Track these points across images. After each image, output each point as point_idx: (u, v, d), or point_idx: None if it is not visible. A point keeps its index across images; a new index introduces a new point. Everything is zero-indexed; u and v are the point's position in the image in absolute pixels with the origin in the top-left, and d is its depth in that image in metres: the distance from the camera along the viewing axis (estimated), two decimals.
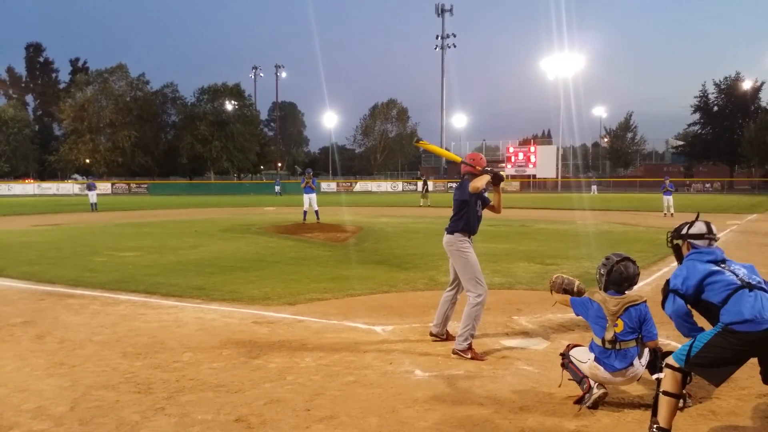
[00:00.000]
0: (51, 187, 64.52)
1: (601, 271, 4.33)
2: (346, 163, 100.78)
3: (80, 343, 5.85)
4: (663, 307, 3.87)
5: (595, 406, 4.14)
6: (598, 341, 4.20)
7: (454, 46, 78.01)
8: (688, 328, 3.76)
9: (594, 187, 56.72)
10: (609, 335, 4.14)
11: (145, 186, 68.49)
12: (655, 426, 3.59)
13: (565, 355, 4.43)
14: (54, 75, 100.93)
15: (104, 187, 66.57)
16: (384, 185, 72.76)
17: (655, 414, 3.63)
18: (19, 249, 13.60)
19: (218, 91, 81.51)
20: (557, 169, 72.67)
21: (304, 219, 20.78)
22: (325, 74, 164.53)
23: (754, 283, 3.61)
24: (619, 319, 4.13)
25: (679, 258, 4.09)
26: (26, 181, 73.33)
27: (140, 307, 7.55)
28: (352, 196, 53.11)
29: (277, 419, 4.01)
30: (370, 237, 16.16)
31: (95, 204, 30.60)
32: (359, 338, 6.02)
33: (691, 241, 4.02)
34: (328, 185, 70.39)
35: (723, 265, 3.77)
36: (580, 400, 4.21)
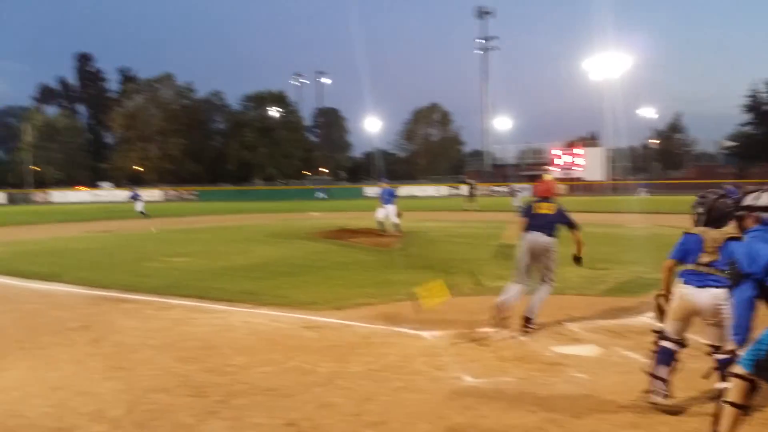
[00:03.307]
0: (103, 195, 66.43)
1: (699, 210, 4.34)
2: (390, 168, 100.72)
3: (135, 347, 6.01)
4: (732, 292, 3.58)
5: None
6: (691, 266, 4.24)
7: (496, 49, 77.41)
8: (746, 323, 3.47)
9: (643, 190, 55.38)
10: (705, 259, 4.16)
11: (195, 193, 69.99)
12: None
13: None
14: (104, 84, 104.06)
15: (156, 194, 68.43)
16: (428, 189, 72.54)
17: (715, 424, 3.48)
18: (74, 255, 14.05)
19: (263, 97, 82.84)
20: (605, 171, 71.23)
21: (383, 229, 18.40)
22: (366, 79, 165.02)
23: None
24: (717, 250, 4.13)
25: (742, 229, 3.80)
26: (78, 188, 75.79)
27: (192, 311, 7.72)
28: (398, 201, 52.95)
29: (327, 424, 4.04)
30: (415, 242, 16.14)
31: (142, 212, 30.26)
32: (407, 343, 6.01)
33: (759, 214, 3.67)
34: (371, 190, 70.57)
35: None
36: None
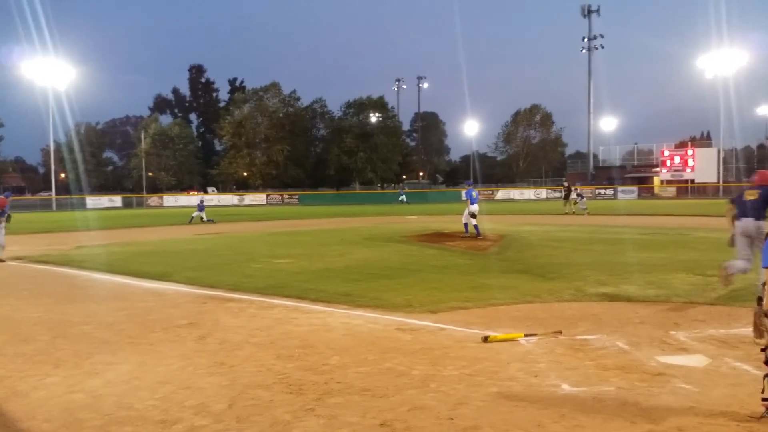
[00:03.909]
0: (213, 199, 69.86)
1: None
2: (488, 171, 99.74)
3: (238, 345, 6.28)
4: None
5: None
6: None
7: (602, 47, 74.65)
8: None
9: None
10: None
11: (296, 197, 72.31)
12: None
13: None
14: (214, 94, 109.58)
15: (260, 198, 71.28)
16: (527, 193, 71.07)
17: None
18: (184, 256, 14.89)
19: (363, 104, 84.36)
20: (718, 173, 66.86)
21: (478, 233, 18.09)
22: (466, 82, 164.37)
23: None
24: None
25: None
26: (190, 193, 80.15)
27: (292, 311, 7.97)
28: (494, 205, 52.35)
29: (420, 426, 4.05)
30: (513, 245, 15.86)
31: (202, 217, 30.35)
32: (502, 348, 5.92)
33: None
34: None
35: None
36: None
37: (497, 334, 6.39)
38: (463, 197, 19.34)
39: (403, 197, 58.85)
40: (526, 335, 6.37)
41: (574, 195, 33.63)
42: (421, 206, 51.92)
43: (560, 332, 6.49)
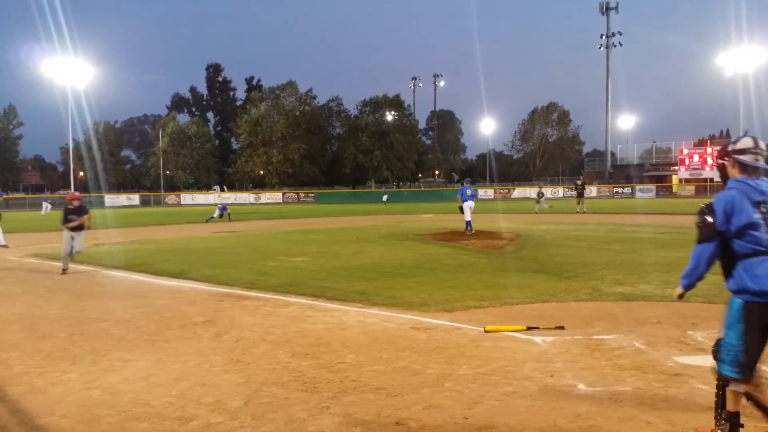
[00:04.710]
0: (230, 197, 70.24)
1: None
2: (504, 170, 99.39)
3: (254, 342, 6.31)
4: (699, 243, 3.70)
5: None
6: None
7: (620, 45, 73.92)
8: (700, 272, 3.71)
9: None
10: None
11: (312, 195, 72.49)
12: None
13: None
14: (231, 93, 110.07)
15: (276, 196, 71.54)
16: (544, 191, 70.59)
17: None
18: (201, 254, 14.99)
19: (379, 102, 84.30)
20: None
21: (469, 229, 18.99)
22: (483, 81, 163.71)
23: None
24: None
25: (724, 178, 3.75)
26: (208, 191, 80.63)
27: (307, 309, 7.99)
28: (510, 203, 52.11)
29: (435, 425, 4.04)
30: (529, 244, 15.77)
31: (218, 216, 30.58)
32: (518, 348, 5.89)
33: (737, 157, 3.65)
34: (485, 192, 69.79)
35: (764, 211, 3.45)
36: None
37: (498, 326, 6.58)
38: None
39: (386, 197, 59.02)
40: (528, 328, 6.46)
41: (573, 192, 34.24)
42: (436, 205, 51.76)
43: (563, 327, 6.50)
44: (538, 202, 35.43)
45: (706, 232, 3.67)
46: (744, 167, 3.63)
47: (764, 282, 3.41)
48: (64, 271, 11.97)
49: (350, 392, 4.71)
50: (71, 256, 12.25)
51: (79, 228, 12.25)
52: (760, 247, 3.46)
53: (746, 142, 3.69)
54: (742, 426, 3.64)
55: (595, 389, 4.69)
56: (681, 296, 3.91)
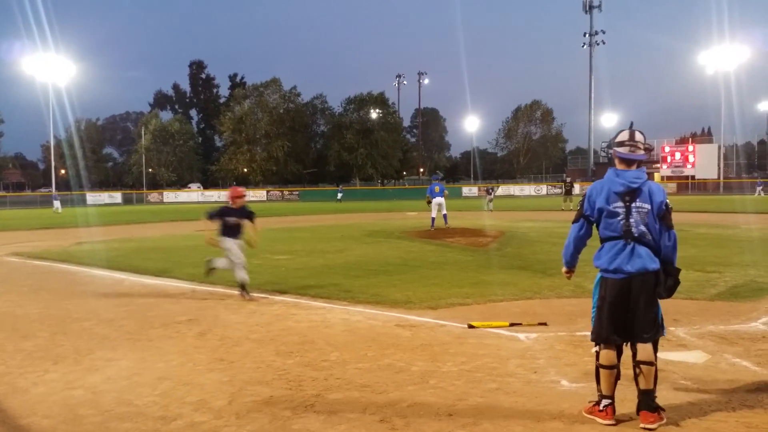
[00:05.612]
0: (213, 195, 69.85)
1: None
2: (488, 167, 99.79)
3: (238, 341, 6.29)
4: (572, 223, 4.25)
5: None
6: None
7: (603, 43, 74.43)
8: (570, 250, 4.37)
9: (760, 188, 51.54)
10: None
11: (297, 193, 72.27)
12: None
13: None
14: (215, 90, 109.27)
15: (260, 194, 71.24)
16: (527, 189, 71.04)
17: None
18: (184, 252, 14.87)
19: (363, 100, 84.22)
20: (719, 169, 66.83)
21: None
22: (467, 79, 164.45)
23: (636, 234, 3.94)
24: None
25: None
26: (191, 189, 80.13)
27: (292, 307, 7.98)
28: (494, 201, 52.24)
29: (420, 422, 4.06)
30: (513, 242, 15.86)
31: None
32: (502, 345, 5.92)
33: (615, 149, 4.04)
34: (469, 190, 70.07)
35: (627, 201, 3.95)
36: None
37: (482, 322, 6.65)
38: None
39: (340, 195, 59.10)
40: (511, 324, 6.56)
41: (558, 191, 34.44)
42: (421, 203, 51.76)
43: (545, 324, 6.55)
44: (490, 200, 36.00)
45: (576, 214, 4.24)
46: (621, 159, 4.01)
47: (616, 262, 4.01)
48: (246, 293, 8.65)
49: (335, 390, 4.71)
50: (242, 267, 8.85)
51: (236, 233, 9.11)
52: (614, 233, 4.03)
53: (623, 135, 4.05)
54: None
55: (579, 385, 4.73)
56: (567, 274, 4.57)
